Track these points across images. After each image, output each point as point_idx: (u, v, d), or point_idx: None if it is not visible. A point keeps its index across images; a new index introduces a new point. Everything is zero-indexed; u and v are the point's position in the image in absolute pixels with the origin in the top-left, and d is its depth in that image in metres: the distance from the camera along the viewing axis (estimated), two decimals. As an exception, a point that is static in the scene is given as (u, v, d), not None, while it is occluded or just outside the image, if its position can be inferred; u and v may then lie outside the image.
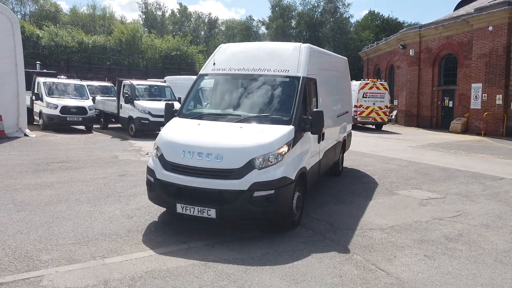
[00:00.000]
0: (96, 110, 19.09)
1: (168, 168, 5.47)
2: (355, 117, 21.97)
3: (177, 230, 5.66)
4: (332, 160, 8.37)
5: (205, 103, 7.05)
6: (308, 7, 48.20)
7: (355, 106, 21.96)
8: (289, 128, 5.66)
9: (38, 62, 26.13)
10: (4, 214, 6.09)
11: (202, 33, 64.19)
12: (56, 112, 17.07)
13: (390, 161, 11.69)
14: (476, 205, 7.27)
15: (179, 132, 5.82)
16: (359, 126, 22.80)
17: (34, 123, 18.67)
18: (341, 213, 6.60)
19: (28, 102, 18.88)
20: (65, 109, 17.13)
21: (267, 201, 5.20)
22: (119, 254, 4.81)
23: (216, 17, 59.08)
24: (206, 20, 59.68)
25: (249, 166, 5.16)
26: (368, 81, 22.52)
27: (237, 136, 5.47)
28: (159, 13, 57.14)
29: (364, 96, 21.91)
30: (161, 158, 5.59)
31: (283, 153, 5.39)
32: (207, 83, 6.90)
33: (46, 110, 17.22)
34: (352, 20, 54.38)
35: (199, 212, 5.21)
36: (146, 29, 57.05)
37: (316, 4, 48.40)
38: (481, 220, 6.42)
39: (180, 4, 59.91)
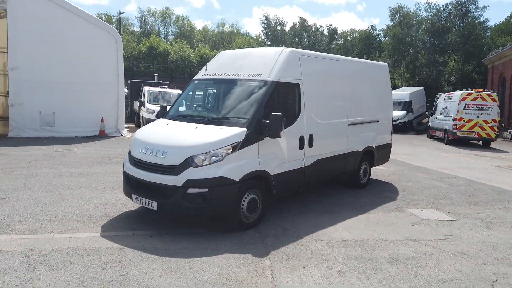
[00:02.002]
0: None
1: (132, 162, 6.12)
2: (454, 131, 19.71)
3: (142, 219, 6.25)
4: (337, 169, 7.98)
5: (194, 106, 7.51)
6: (432, 12, 44.47)
7: (454, 119, 19.72)
8: (240, 130, 5.77)
9: (156, 74, 29.94)
10: (30, 193, 7.50)
11: (323, 44, 64.30)
12: (153, 116, 19.43)
13: (444, 179, 10.39)
14: (484, 233, 6.18)
15: (147, 131, 6.45)
16: (463, 142, 20.22)
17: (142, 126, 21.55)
18: (311, 222, 6.35)
19: (136, 108, 22.07)
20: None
21: (202, 199, 5.42)
22: (72, 232, 5.60)
23: (335, 28, 58.53)
24: (325, 32, 59.73)
25: (186, 164, 5.47)
26: (472, 91, 19.93)
27: (184, 135, 5.83)
28: (279, 27, 59.42)
29: (466, 108, 19.47)
30: (129, 153, 6.28)
31: (225, 153, 5.54)
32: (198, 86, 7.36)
33: (146, 115, 19.78)
34: (489, 24, 48.33)
35: (146, 204, 5.72)
36: (268, 42, 59.87)
37: (442, 9, 44.41)
38: (465, 247, 5.48)
39: (300, 18, 61.09)
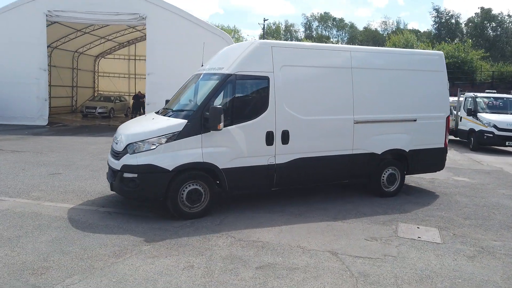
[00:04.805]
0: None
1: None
2: None
3: (121, 200, 7.01)
4: (336, 172, 7.14)
5: (177, 99, 7.70)
6: None
7: None
8: (179, 121, 5.98)
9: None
10: (81, 171, 9.13)
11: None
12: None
13: (528, 199, 7.97)
14: (451, 262, 4.78)
15: (126, 122, 7.20)
16: None
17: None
18: (257, 221, 6.03)
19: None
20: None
21: (133, 183, 5.90)
22: (57, 202, 6.74)
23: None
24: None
25: (125, 151, 6.02)
26: None
27: (135, 126, 6.40)
28: (453, 20, 52.64)
29: None
30: (114, 143, 7.18)
31: (158, 143, 5.84)
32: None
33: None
34: None
35: (109, 184, 6.50)
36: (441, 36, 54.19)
37: None
38: (382, 271, 4.41)
39: (481, 8, 52.48)
